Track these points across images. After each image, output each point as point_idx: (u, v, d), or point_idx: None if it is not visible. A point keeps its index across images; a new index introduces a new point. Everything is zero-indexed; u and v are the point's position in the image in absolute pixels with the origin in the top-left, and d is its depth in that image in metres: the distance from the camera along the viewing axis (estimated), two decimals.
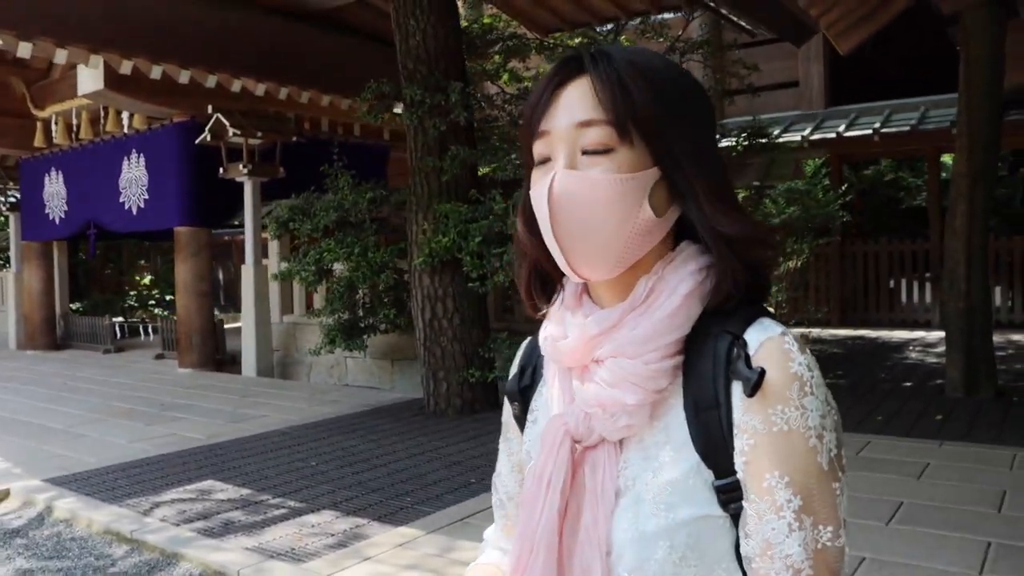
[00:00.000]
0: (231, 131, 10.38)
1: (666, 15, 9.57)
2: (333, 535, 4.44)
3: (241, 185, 10.85)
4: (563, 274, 0.96)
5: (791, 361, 0.85)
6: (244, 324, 10.80)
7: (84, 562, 4.36)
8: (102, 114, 12.24)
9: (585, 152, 0.89)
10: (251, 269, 10.67)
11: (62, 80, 12.56)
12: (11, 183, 14.95)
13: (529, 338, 1.11)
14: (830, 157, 11.50)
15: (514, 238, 1.07)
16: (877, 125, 10.91)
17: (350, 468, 5.81)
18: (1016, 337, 10.30)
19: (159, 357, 12.81)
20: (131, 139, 12.11)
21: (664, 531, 0.86)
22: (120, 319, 15.50)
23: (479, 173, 8.23)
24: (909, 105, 11.48)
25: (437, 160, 7.47)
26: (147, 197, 11.87)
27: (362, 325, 8.73)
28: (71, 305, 15.67)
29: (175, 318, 12.35)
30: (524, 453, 1.06)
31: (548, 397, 1.01)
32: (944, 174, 12.70)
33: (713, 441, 0.87)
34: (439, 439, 6.58)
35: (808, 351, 0.87)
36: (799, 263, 9.01)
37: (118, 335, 14.77)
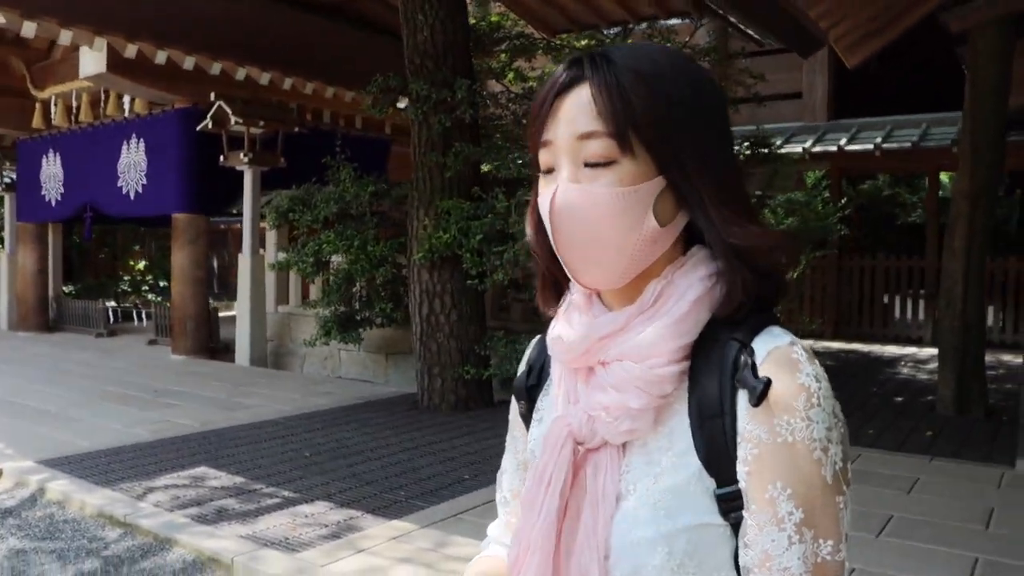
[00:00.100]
0: (233, 119, 10.35)
1: (674, 21, 9.60)
2: (327, 526, 4.44)
3: (241, 174, 10.83)
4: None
5: (799, 372, 0.84)
6: (239, 313, 10.78)
7: (77, 544, 4.36)
8: (103, 97, 12.20)
9: (588, 164, 0.88)
10: (248, 258, 10.65)
11: (63, 61, 12.52)
12: (7, 163, 14.88)
13: (538, 336, 1.10)
14: (830, 170, 11.54)
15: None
16: (879, 140, 10.94)
17: (344, 460, 5.81)
18: (1007, 357, 10.36)
19: (152, 343, 12.77)
20: (131, 123, 12.07)
21: (663, 537, 0.85)
22: (113, 303, 15.44)
23: (481, 171, 8.24)
24: (911, 122, 11.52)
25: (440, 156, 7.48)
26: (145, 182, 11.83)
27: (358, 318, 8.73)
28: (64, 288, 15.60)
29: (169, 304, 12.33)
30: (528, 452, 1.05)
31: (554, 397, 1.00)
32: (942, 192, 12.77)
33: (716, 449, 0.86)
34: (433, 434, 6.59)
35: (817, 362, 0.86)
36: (795, 274, 9.05)
37: (111, 319, 14.72)
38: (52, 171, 13.68)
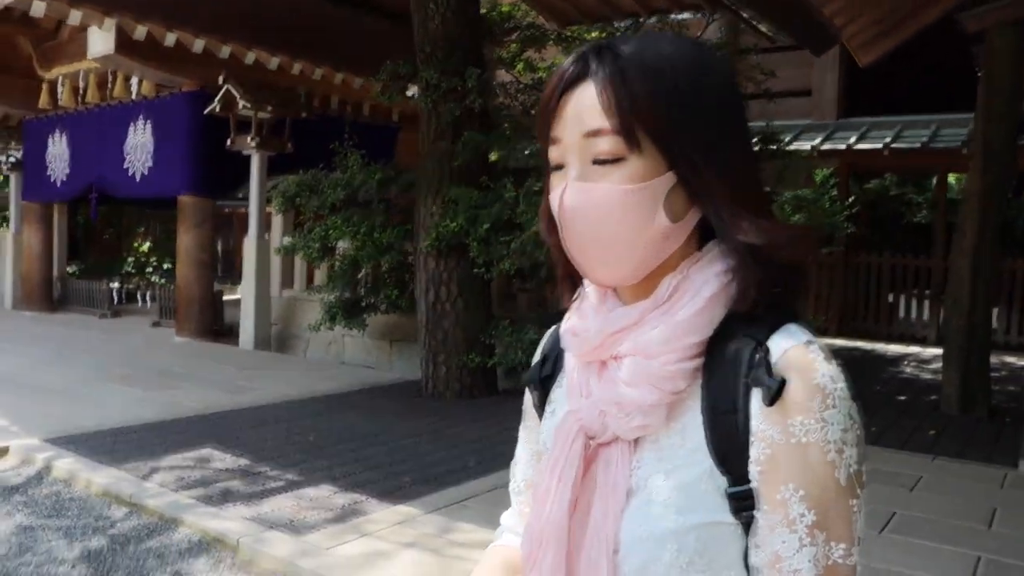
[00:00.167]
0: (241, 103, 10.35)
1: (686, 15, 9.57)
2: (331, 509, 4.46)
3: (248, 158, 10.83)
4: None
5: (815, 371, 0.82)
6: (243, 296, 10.79)
7: (83, 522, 4.37)
8: (110, 78, 12.18)
9: (596, 162, 0.86)
10: (254, 242, 10.65)
11: (71, 41, 12.46)
12: (13, 142, 14.84)
13: (554, 327, 1.08)
14: (839, 168, 11.52)
15: None
16: (888, 139, 10.91)
17: (348, 444, 5.83)
18: (1010, 359, 10.36)
19: (155, 324, 12.79)
20: (138, 105, 12.05)
21: (673, 534, 0.85)
22: (117, 284, 15.45)
23: (490, 160, 8.23)
24: (921, 122, 11.49)
25: (449, 144, 7.47)
26: (152, 164, 11.82)
27: (363, 304, 8.73)
28: (68, 268, 15.61)
29: (173, 286, 12.34)
30: (541, 443, 1.05)
31: (567, 389, 0.99)
32: (949, 193, 12.75)
33: (729, 447, 0.85)
34: (437, 421, 6.60)
35: (835, 362, 0.84)
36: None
37: (115, 300, 14.73)
38: (58, 151, 13.67)
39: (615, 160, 0.86)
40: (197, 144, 11.21)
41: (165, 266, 17.66)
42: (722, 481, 0.85)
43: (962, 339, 7.04)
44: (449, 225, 7.24)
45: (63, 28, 12.58)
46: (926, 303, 11.75)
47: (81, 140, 13.20)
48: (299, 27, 10.78)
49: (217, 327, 11.62)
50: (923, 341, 11.52)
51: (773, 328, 0.86)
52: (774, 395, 0.82)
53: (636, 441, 0.90)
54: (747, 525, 0.85)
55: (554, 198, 0.90)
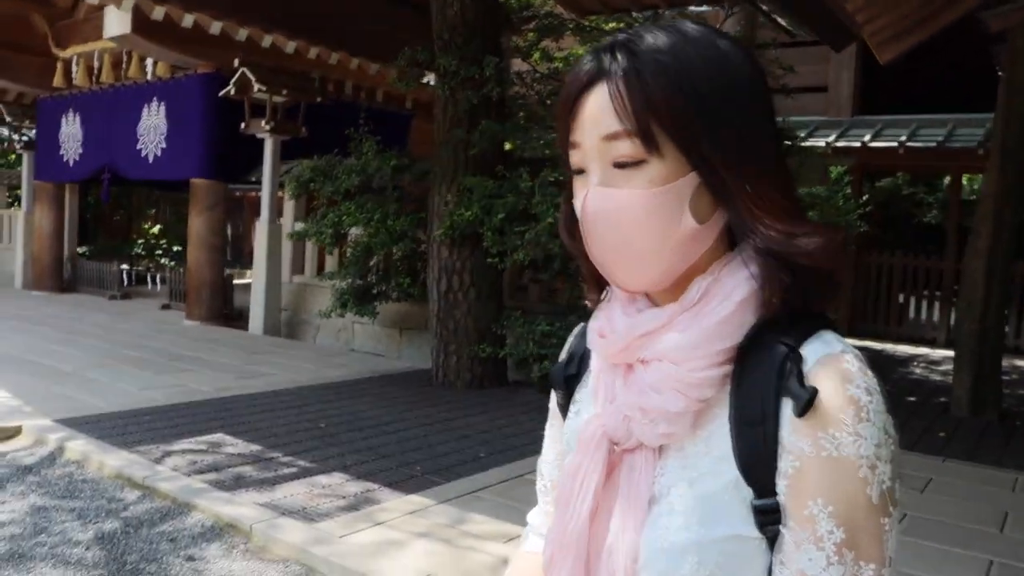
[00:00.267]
0: (256, 86, 10.33)
1: (704, 8, 9.52)
2: (344, 497, 4.47)
3: (261, 142, 10.82)
4: None
5: (849, 383, 0.79)
6: (254, 281, 10.80)
7: (97, 504, 4.39)
8: (124, 59, 12.17)
9: (617, 165, 0.84)
10: (265, 227, 10.65)
11: (87, 21, 12.46)
12: (27, 121, 14.85)
13: (580, 325, 1.06)
14: (853, 166, 11.47)
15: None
16: (903, 138, 10.86)
17: (359, 432, 5.83)
18: (1020, 363, 10.32)
19: (165, 307, 12.82)
20: (153, 86, 12.04)
21: (694, 546, 0.82)
22: (126, 266, 15.48)
23: (505, 149, 8.21)
24: (937, 121, 11.42)
25: (465, 133, 7.45)
26: (165, 146, 11.82)
27: (374, 291, 8.73)
28: (78, 249, 15.65)
29: (183, 269, 12.35)
30: (564, 443, 1.03)
31: (592, 390, 0.97)
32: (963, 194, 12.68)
33: (756, 458, 0.82)
34: (448, 411, 6.60)
35: (871, 373, 0.81)
36: None
37: (124, 282, 14.76)
38: (71, 131, 13.67)
39: (636, 163, 0.83)
40: (211, 127, 11.20)
41: (175, 249, 17.69)
42: (748, 493, 0.82)
43: (974, 342, 7.01)
44: (464, 214, 7.23)
45: (79, 7, 12.59)
46: (937, 305, 11.71)
47: (94, 120, 13.20)
48: (316, 12, 10.75)
49: (227, 311, 11.64)
50: (932, 343, 11.48)
51: (806, 335, 0.83)
52: (805, 405, 0.79)
53: (660, 448, 0.88)
54: (772, 540, 0.82)
55: (577, 204, 0.88)
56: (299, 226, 9.86)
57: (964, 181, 13.80)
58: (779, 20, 7.93)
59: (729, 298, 0.85)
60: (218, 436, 5.58)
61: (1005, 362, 8.07)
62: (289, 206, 10.75)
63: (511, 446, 5.57)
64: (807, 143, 10.46)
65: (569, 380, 1.05)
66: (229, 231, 19.70)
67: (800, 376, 0.80)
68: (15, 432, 5.55)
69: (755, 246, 0.84)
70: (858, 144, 11.04)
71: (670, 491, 0.86)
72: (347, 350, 9.75)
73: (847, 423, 0.78)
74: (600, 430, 0.90)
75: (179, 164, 11.60)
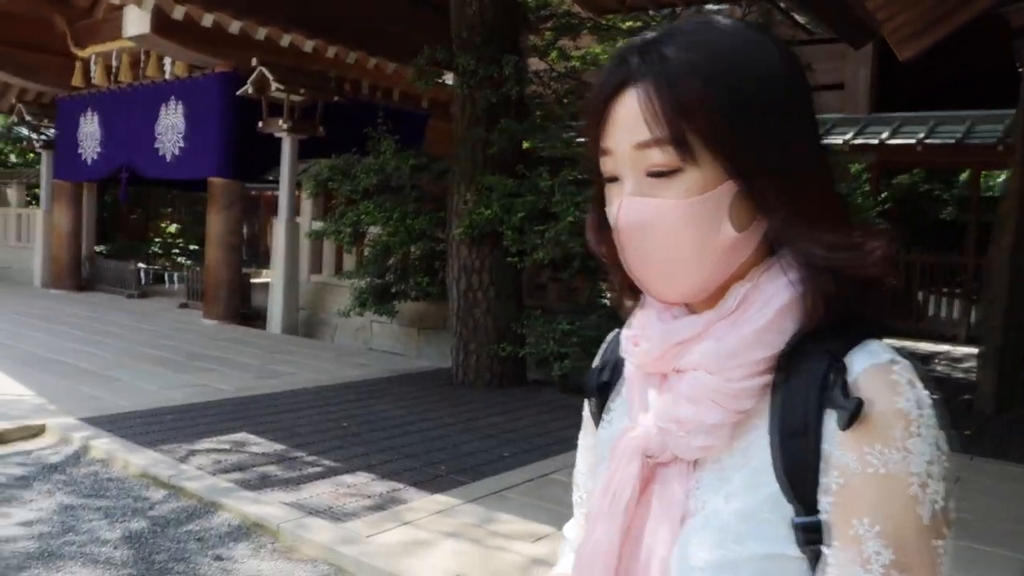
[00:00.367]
0: (274, 86, 10.38)
1: (723, 5, 9.49)
2: (370, 497, 4.47)
3: (279, 141, 10.86)
4: None
5: (898, 395, 0.74)
6: (272, 280, 10.84)
7: (123, 503, 4.41)
8: (143, 58, 12.23)
9: (651, 174, 0.80)
10: (283, 226, 10.69)
11: (106, 21, 12.53)
12: (46, 120, 14.95)
13: (615, 331, 1.02)
14: (871, 163, 11.40)
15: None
16: (921, 135, 10.79)
17: (382, 432, 5.84)
18: None
19: (183, 306, 12.88)
20: (171, 85, 12.10)
21: (729, 564, 0.77)
22: (144, 265, 15.57)
23: (524, 148, 8.21)
24: (955, 118, 11.33)
25: (484, 132, 7.45)
26: (183, 145, 11.87)
27: (393, 290, 8.74)
28: (96, 248, 15.74)
29: (200, 268, 12.40)
30: (596, 453, 1.00)
31: (626, 400, 0.93)
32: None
33: (797, 473, 0.77)
34: (470, 410, 6.61)
35: (921, 384, 0.76)
36: None
37: (142, 281, 14.85)
38: (90, 130, 13.75)
39: (671, 172, 0.79)
40: (229, 126, 11.24)
41: (192, 248, 17.77)
42: (788, 510, 0.77)
43: (999, 338, 6.97)
44: (483, 213, 7.22)
45: (98, 6, 12.66)
46: (956, 301, 11.64)
47: (113, 119, 13.27)
48: (334, 11, 10.76)
49: (245, 310, 11.69)
50: (953, 340, 11.41)
51: (852, 344, 0.78)
52: (850, 418, 0.73)
53: (696, 460, 0.84)
54: (814, 560, 0.77)
55: (611, 212, 0.85)
56: (317, 225, 9.89)
57: (981, 177, 13.72)
58: (797, 17, 7.90)
59: (768, 305, 0.81)
60: (241, 435, 5.60)
61: None
62: (307, 205, 10.78)
63: (535, 446, 5.56)
64: (824, 141, 10.41)
65: (602, 388, 1.01)
66: (245, 230, 19.80)
67: (845, 387, 0.75)
68: (39, 430, 5.59)
69: (797, 257, 0.80)
70: (876, 141, 10.98)
71: (705, 506, 0.82)
72: (366, 349, 9.77)
73: (895, 438, 0.73)
74: (634, 443, 0.86)
75: (197, 163, 11.64)
